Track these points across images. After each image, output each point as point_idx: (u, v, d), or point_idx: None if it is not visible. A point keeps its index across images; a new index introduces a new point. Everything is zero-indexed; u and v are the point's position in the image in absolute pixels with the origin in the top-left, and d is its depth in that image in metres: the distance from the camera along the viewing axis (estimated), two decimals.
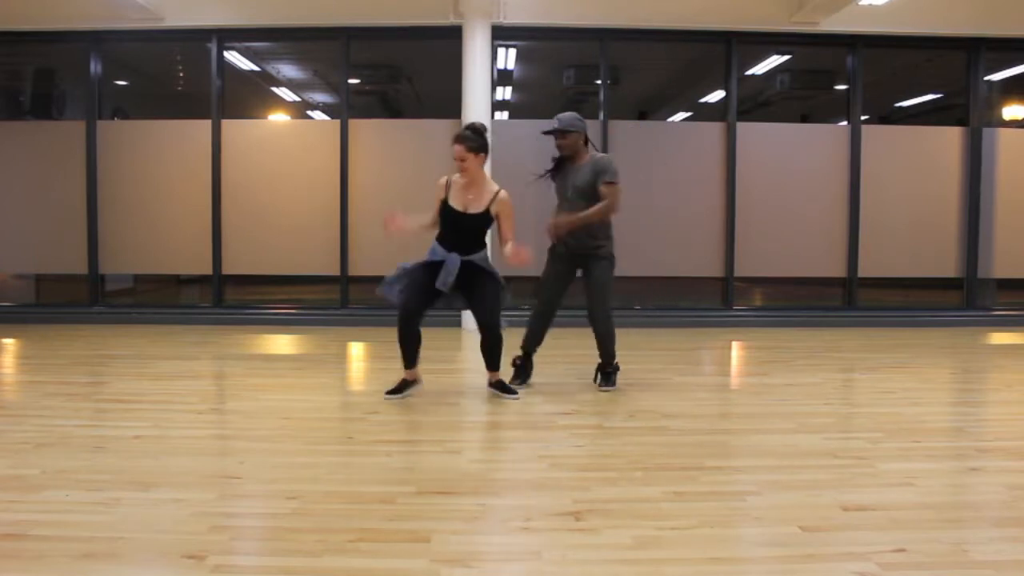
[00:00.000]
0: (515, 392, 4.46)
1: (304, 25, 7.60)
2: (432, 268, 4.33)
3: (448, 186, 4.38)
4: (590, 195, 4.49)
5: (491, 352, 4.44)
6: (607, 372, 4.65)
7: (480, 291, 4.36)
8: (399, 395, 4.39)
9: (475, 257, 4.35)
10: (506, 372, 4.61)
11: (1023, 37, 7.69)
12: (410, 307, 4.30)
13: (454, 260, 4.29)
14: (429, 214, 4.44)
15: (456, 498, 2.80)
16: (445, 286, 4.27)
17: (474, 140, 4.32)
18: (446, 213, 4.37)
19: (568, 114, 4.63)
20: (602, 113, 7.66)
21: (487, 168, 4.54)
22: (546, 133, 4.64)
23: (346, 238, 7.64)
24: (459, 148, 4.29)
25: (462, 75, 7.19)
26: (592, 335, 4.66)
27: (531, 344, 4.77)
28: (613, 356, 4.65)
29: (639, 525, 2.53)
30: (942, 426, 4.02)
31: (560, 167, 4.68)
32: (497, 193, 4.38)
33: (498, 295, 4.39)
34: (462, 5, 7.14)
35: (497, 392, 4.46)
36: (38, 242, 7.77)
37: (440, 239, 4.39)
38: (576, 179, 4.54)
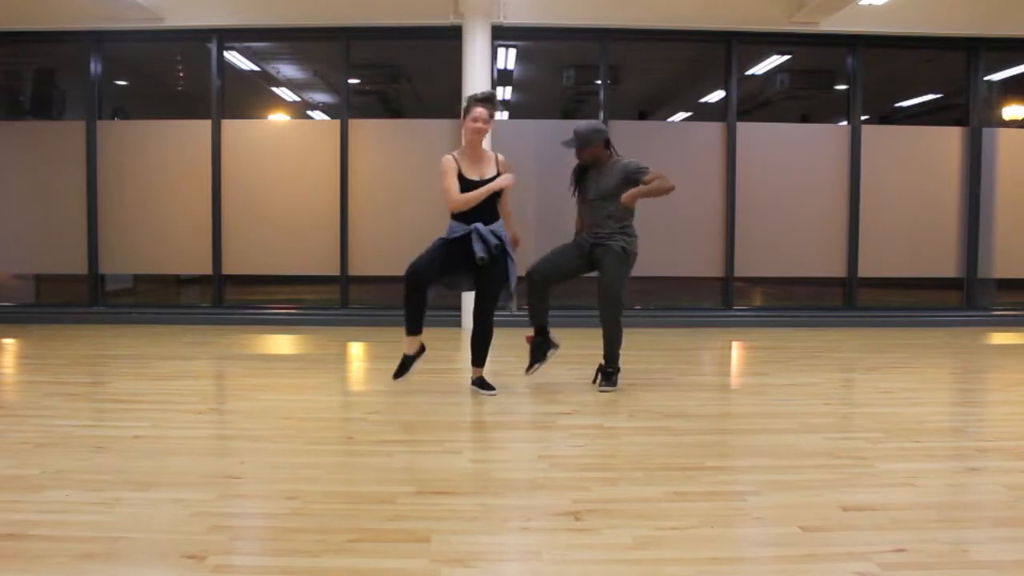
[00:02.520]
0: (494, 388, 4.49)
1: (304, 25, 7.61)
2: (453, 245, 4.33)
3: (457, 162, 4.41)
4: (613, 197, 4.49)
5: (483, 345, 4.48)
6: (608, 372, 4.64)
7: (491, 278, 4.38)
8: (405, 373, 4.46)
9: (497, 226, 4.39)
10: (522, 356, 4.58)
11: (1023, 37, 7.69)
12: (419, 268, 4.28)
13: (482, 227, 4.31)
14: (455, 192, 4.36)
15: (456, 498, 2.80)
16: (484, 252, 4.27)
17: (494, 107, 4.44)
18: (464, 188, 4.37)
19: (586, 126, 4.56)
20: (602, 113, 7.66)
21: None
22: (565, 144, 4.60)
23: (346, 238, 7.64)
24: (483, 111, 4.36)
25: (462, 75, 7.19)
26: (596, 334, 4.63)
27: (540, 317, 4.63)
28: (617, 358, 4.63)
29: (639, 525, 2.53)
30: (942, 426, 4.02)
31: (583, 172, 4.65)
32: (498, 156, 4.52)
33: (499, 289, 4.41)
34: (462, 5, 7.14)
35: (477, 389, 4.51)
36: (38, 242, 7.77)
37: (457, 216, 4.39)
38: (600, 182, 4.53)
